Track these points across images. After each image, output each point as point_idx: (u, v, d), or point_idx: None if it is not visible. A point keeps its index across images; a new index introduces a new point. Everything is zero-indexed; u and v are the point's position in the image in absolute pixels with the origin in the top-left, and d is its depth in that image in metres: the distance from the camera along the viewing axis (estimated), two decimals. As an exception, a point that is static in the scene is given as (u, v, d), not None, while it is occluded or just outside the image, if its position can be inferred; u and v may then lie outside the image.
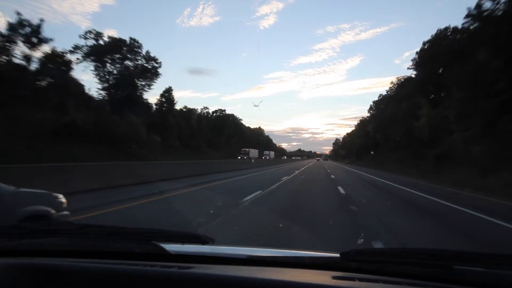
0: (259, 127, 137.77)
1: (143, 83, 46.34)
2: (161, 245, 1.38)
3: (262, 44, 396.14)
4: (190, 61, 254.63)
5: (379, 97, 68.82)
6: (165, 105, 53.13)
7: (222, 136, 78.62)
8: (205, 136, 68.08)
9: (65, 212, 4.82)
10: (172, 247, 1.40)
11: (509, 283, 1.12)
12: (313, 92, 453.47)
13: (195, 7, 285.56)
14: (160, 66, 47.17)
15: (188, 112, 65.36)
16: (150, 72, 46.45)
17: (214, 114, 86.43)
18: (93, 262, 1.27)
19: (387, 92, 62.22)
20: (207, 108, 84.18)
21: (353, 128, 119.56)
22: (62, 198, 4.81)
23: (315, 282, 1.12)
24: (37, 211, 4.30)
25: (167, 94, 53.59)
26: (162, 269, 1.22)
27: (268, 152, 77.69)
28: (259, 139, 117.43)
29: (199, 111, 77.10)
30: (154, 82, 47.32)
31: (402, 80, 55.66)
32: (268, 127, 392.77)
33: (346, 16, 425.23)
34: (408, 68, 74.93)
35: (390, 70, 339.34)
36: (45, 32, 35.73)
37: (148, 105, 49.07)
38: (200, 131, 66.60)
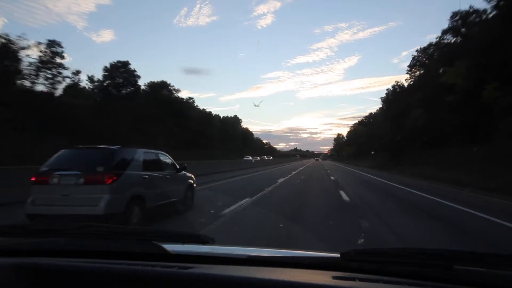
0: (246, 128, 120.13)
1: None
2: (161, 245, 1.39)
3: (259, 44, 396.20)
4: (187, 61, 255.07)
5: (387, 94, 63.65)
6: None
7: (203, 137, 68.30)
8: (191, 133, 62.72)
9: (194, 184, 9.35)
10: (172, 247, 1.40)
11: (509, 283, 1.12)
12: (311, 92, 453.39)
13: (192, 6, 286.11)
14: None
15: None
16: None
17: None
18: (93, 262, 1.27)
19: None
20: (192, 98, 74.91)
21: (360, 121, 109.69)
22: (192, 176, 9.37)
23: (315, 282, 1.12)
24: (190, 183, 8.96)
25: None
26: (162, 269, 1.22)
27: (250, 157, 59.29)
28: (245, 140, 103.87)
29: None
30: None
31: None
32: (266, 127, 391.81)
33: (343, 15, 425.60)
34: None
35: (387, 69, 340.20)
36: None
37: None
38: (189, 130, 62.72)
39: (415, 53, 49.84)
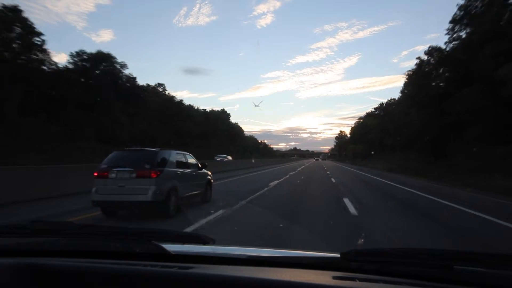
0: (236, 124, 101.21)
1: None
2: (162, 245, 1.39)
3: (259, 44, 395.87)
4: (187, 61, 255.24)
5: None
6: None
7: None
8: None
9: (212, 180, 10.82)
10: (172, 247, 1.40)
11: (509, 283, 1.12)
12: (311, 91, 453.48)
13: (192, 6, 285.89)
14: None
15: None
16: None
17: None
18: (93, 262, 1.27)
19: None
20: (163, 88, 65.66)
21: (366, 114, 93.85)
22: (210, 173, 10.81)
23: (315, 282, 1.12)
24: (209, 179, 10.48)
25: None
26: (163, 269, 1.22)
27: (224, 155, 46.84)
28: (233, 137, 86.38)
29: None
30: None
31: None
32: (266, 127, 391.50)
33: (343, 14, 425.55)
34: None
35: (387, 69, 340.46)
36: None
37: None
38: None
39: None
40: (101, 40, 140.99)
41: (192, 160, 9.76)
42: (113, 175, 7.50)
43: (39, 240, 1.47)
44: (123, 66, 47.78)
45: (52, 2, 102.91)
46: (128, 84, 48.75)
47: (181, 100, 66.08)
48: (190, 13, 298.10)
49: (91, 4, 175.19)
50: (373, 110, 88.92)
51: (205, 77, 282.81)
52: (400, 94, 57.40)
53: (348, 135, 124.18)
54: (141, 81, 58.42)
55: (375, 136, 68.28)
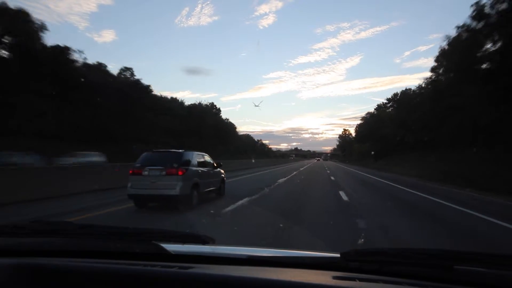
0: (227, 120, 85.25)
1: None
2: (162, 245, 1.39)
3: (261, 44, 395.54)
4: (188, 61, 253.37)
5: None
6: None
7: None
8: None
9: (225, 178, 12.08)
10: (172, 247, 1.40)
11: (509, 283, 1.12)
12: (312, 92, 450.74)
13: (194, 6, 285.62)
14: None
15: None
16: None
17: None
18: (93, 262, 1.27)
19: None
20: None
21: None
22: (223, 172, 12.01)
23: (315, 282, 1.12)
24: (222, 177, 11.70)
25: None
26: (163, 269, 1.22)
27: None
28: (219, 134, 67.91)
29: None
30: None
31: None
32: (268, 128, 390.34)
33: (345, 14, 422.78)
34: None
35: (390, 69, 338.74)
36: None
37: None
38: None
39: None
40: (103, 40, 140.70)
41: (209, 160, 11.02)
42: (146, 173, 8.74)
43: (39, 240, 1.47)
44: (41, 28, 32.65)
45: (54, 2, 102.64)
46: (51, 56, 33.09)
47: (149, 86, 50.67)
48: (192, 13, 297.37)
49: (93, 4, 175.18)
50: (385, 102, 75.75)
51: (207, 77, 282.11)
52: (423, 82, 44.81)
53: (353, 134, 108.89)
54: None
55: (390, 132, 52.96)
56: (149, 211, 8.78)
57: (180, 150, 9.49)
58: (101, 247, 1.45)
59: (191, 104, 67.81)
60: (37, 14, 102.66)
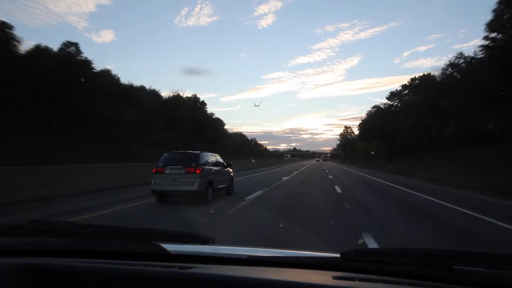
0: (212, 114, 71.47)
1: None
2: (162, 245, 1.39)
3: (260, 44, 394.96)
4: (188, 62, 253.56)
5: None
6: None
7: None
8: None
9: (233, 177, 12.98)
10: (172, 247, 1.40)
11: (509, 283, 1.12)
12: (312, 92, 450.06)
13: (193, 6, 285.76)
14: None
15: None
16: None
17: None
18: (93, 262, 1.27)
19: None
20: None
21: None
22: (232, 171, 12.83)
23: (315, 282, 1.12)
24: (231, 176, 12.64)
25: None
26: (163, 269, 1.22)
27: None
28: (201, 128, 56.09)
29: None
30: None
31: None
32: (267, 128, 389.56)
33: (345, 15, 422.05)
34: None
35: (389, 70, 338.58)
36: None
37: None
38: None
39: None
40: (102, 40, 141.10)
41: (220, 160, 12.14)
42: (168, 171, 9.94)
43: (39, 240, 1.47)
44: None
45: (53, 2, 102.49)
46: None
47: (109, 70, 41.73)
48: (191, 13, 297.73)
49: (91, 4, 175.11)
50: (400, 88, 59.13)
51: (206, 77, 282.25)
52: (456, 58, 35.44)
53: (357, 131, 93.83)
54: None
55: (413, 124, 40.49)
56: (170, 206, 9.82)
57: (197, 152, 10.88)
58: (101, 247, 1.45)
59: (167, 97, 55.89)
60: (36, 14, 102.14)
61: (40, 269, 1.19)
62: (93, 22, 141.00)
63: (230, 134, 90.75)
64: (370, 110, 73.28)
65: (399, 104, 57.41)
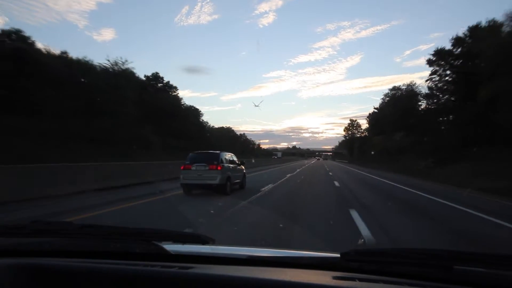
0: (192, 107, 58.55)
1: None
2: (162, 245, 1.39)
3: (261, 43, 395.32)
4: (188, 60, 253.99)
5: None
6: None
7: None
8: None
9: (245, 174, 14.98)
10: (172, 247, 1.40)
11: (509, 283, 1.12)
12: (313, 91, 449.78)
13: (193, 5, 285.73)
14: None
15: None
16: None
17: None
18: (93, 262, 1.27)
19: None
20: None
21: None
22: (244, 168, 14.76)
23: (315, 282, 1.12)
24: (244, 172, 14.58)
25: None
26: (163, 269, 1.22)
27: None
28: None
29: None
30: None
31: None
32: (268, 127, 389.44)
33: (346, 13, 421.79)
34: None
35: (390, 68, 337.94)
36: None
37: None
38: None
39: None
40: (102, 38, 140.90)
41: (235, 158, 14.03)
42: (194, 168, 11.91)
43: (39, 240, 1.47)
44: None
45: (53, 0, 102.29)
46: None
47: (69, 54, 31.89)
48: (192, 12, 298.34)
49: (92, 2, 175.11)
50: (430, 57, 36.69)
51: (207, 76, 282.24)
52: None
53: (366, 123, 79.18)
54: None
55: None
56: (200, 196, 11.65)
57: (218, 151, 12.81)
58: (101, 247, 1.45)
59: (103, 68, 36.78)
60: (36, 12, 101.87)
61: (40, 269, 1.19)
62: (93, 21, 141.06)
63: (214, 129, 78.76)
64: (387, 93, 58.54)
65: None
